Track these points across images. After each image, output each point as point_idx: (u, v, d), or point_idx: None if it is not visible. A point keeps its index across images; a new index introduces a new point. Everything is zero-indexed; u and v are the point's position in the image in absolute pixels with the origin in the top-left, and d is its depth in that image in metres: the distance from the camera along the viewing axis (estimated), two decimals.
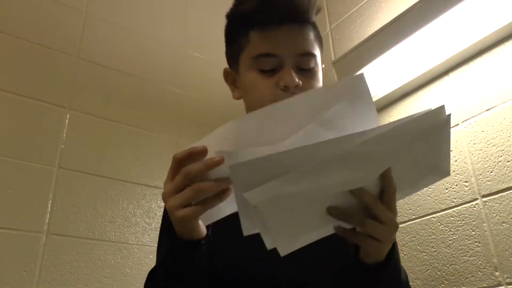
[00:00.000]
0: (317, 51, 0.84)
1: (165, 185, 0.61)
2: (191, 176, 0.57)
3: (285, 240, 0.59)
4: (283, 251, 0.58)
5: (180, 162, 0.59)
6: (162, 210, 1.65)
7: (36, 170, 1.42)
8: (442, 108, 0.58)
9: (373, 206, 0.58)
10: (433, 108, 0.57)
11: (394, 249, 0.66)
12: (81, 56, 1.67)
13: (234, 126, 0.58)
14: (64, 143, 1.51)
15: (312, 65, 0.82)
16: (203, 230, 0.64)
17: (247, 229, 0.57)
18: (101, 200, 1.52)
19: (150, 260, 1.55)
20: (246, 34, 0.84)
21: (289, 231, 0.59)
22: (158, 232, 1.62)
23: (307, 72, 0.81)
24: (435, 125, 0.58)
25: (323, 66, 0.92)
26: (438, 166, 0.61)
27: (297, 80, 0.78)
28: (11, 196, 1.35)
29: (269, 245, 0.58)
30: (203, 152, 0.57)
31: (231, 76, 0.90)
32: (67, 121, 1.55)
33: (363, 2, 1.80)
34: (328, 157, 0.52)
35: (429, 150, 0.59)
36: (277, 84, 0.79)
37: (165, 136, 1.77)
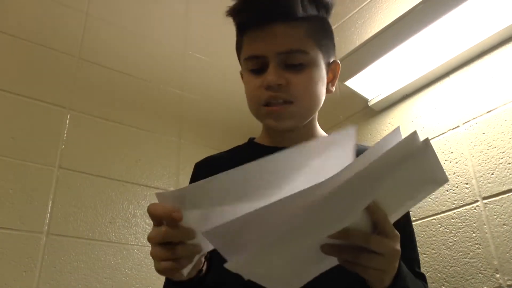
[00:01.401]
0: (309, 47, 0.81)
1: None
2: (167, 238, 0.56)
3: (287, 281, 0.58)
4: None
5: (156, 218, 0.57)
6: None
7: (36, 171, 1.42)
8: (414, 134, 0.51)
9: (364, 243, 0.54)
10: (403, 136, 0.52)
11: (400, 271, 0.62)
12: (82, 56, 1.67)
13: (221, 180, 0.55)
14: (64, 144, 1.51)
15: (300, 61, 0.80)
16: (197, 266, 0.63)
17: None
18: (101, 201, 1.52)
19: (150, 261, 1.54)
20: (241, 37, 0.86)
21: (287, 274, 0.58)
22: None
23: (295, 68, 0.81)
24: (414, 152, 0.52)
25: (338, 61, 0.90)
26: (434, 178, 0.57)
27: (278, 79, 0.79)
28: (11, 196, 1.35)
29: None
30: (179, 220, 0.54)
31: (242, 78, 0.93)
32: (67, 121, 1.55)
33: (364, 3, 1.80)
34: (297, 213, 0.49)
35: (416, 171, 0.55)
36: (262, 84, 0.80)
37: (166, 137, 1.77)
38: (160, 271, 0.58)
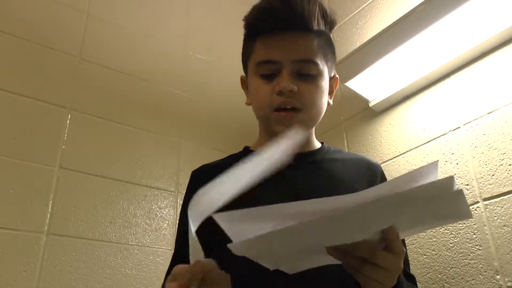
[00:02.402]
0: (319, 59, 0.85)
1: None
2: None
3: (288, 263, 0.60)
4: (289, 271, 0.60)
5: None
6: (162, 211, 1.66)
7: (37, 170, 1.42)
8: (451, 180, 0.50)
9: (370, 257, 0.56)
10: (440, 178, 0.52)
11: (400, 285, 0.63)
12: (82, 56, 1.67)
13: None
14: (65, 144, 1.51)
15: (312, 72, 0.84)
16: None
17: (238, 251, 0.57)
18: (101, 201, 1.52)
19: (150, 261, 1.55)
20: (253, 42, 0.88)
21: (288, 259, 0.59)
22: (158, 233, 1.63)
23: (306, 78, 0.84)
24: (444, 196, 0.52)
25: (337, 76, 0.94)
26: (457, 214, 0.57)
27: (291, 85, 0.81)
28: (11, 196, 1.36)
29: (271, 267, 0.60)
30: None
31: (245, 82, 0.95)
32: (68, 121, 1.55)
33: (365, 4, 1.80)
34: (317, 217, 0.50)
35: (441, 209, 0.55)
36: (273, 89, 0.83)
37: (166, 137, 1.77)
38: None
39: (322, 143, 0.97)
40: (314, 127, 0.94)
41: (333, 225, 0.51)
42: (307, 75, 0.84)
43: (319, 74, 0.85)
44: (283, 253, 0.58)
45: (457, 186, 0.53)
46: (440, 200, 0.53)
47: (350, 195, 0.50)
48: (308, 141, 0.93)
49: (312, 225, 0.50)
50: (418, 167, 1.53)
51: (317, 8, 0.85)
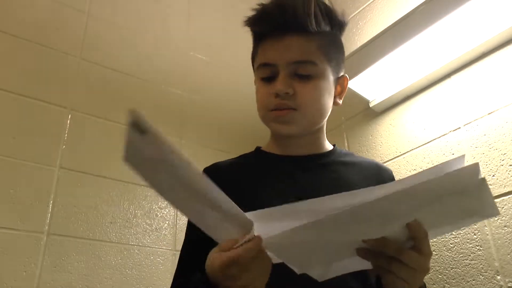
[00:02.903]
0: (319, 59, 0.86)
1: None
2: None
3: (316, 267, 0.60)
4: (319, 277, 0.60)
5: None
6: (162, 211, 1.66)
7: (37, 171, 1.42)
8: (476, 166, 0.52)
9: (397, 255, 0.57)
10: (466, 164, 0.53)
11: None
12: (83, 56, 1.67)
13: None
14: (65, 144, 1.51)
15: (309, 72, 0.85)
16: None
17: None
18: (102, 201, 1.52)
19: (150, 262, 1.55)
20: (257, 46, 0.91)
21: (317, 262, 0.60)
22: (158, 233, 1.63)
23: (303, 78, 0.85)
24: (469, 184, 0.53)
25: (346, 75, 0.95)
26: (482, 211, 0.58)
27: (286, 88, 0.83)
28: (12, 196, 1.35)
29: (299, 270, 0.60)
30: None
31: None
32: (68, 121, 1.55)
33: (366, 4, 1.80)
34: (343, 210, 0.51)
35: (465, 202, 0.55)
36: (271, 92, 0.85)
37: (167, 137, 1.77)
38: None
39: (334, 145, 0.97)
40: (323, 129, 0.94)
41: (359, 217, 0.52)
42: (304, 76, 0.84)
43: (318, 74, 0.85)
44: (312, 252, 0.58)
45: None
46: (465, 191, 0.53)
47: (375, 187, 0.51)
48: (318, 143, 0.93)
49: (339, 217, 0.51)
50: (419, 168, 1.52)
51: (316, 8, 0.85)
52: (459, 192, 0.53)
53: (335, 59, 0.90)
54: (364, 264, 0.60)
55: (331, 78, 0.89)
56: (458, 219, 0.59)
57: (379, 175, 0.90)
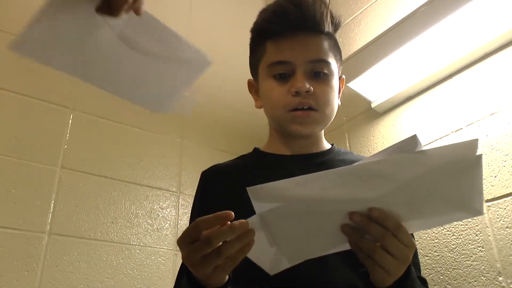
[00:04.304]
0: (331, 59, 0.87)
1: (182, 247, 0.59)
2: (214, 242, 0.56)
3: (293, 251, 0.60)
4: (291, 261, 0.61)
5: (199, 227, 0.57)
6: (164, 211, 1.66)
7: (39, 170, 1.42)
8: (474, 141, 0.53)
9: (380, 239, 0.57)
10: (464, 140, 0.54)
11: (408, 276, 0.64)
12: None
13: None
14: (67, 144, 1.51)
15: (326, 71, 0.85)
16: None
17: (273, 270, 0.61)
18: (103, 201, 1.52)
19: (151, 261, 1.55)
20: (263, 45, 0.90)
21: (298, 244, 0.60)
22: (159, 233, 1.63)
23: (319, 78, 0.85)
24: (464, 161, 0.54)
25: (344, 77, 0.96)
26: (470, 205, 0.58)
27: (307, 85, 0.82)
28: (13, 196, 1.36)
29: (289, 262, 0.61)
30: (228, 217, 0.56)
31: (254, 86, 0.96)
32: (70, 121, 1.55)
33: (368, 4, 1.79)
34: (339, 169, 0.53)
35: (457, 187, 0.56)
36: (289, 91, 0.83)
37: (168, 137, 1.77)
38: (209, 274, 0.57)
39: (332, 144, 0.97)
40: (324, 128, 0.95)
41: (362, 175, 0.53)
42: (321, 75, 0.85)
43: (332, 73, 0.87)
44: (309, 233, 0.59)
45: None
46: (460, 169, 0.54)
47: (370, 158, 0.53)
48: (317, 142, 0.93)
49: (341, 171, 0.53)
50: None
51: (328, 9, 0.87)
52: (453, 171, 0.54)
53: (338, 59, 0.92)
54: (342, 246, 0.61)
55: (338, 78, 0.91)
56: (444, 210, 0.59)
57: None
